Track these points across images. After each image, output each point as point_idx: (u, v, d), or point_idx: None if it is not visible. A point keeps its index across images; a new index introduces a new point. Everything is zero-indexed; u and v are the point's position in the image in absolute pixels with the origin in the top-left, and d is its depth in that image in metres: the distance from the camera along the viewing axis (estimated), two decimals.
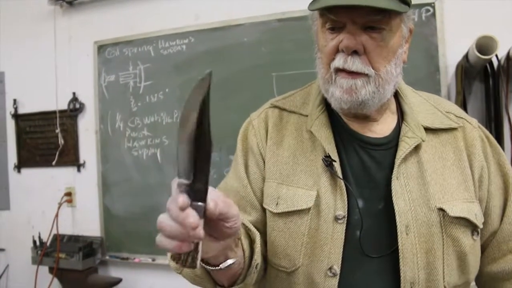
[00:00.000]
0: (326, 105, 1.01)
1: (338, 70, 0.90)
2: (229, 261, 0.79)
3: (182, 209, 0.59)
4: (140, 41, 2.56)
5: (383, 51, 0.90)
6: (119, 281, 2.55)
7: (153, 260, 2.55)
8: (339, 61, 0.89)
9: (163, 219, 0.62)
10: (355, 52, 0.88)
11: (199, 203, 0.62)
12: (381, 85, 0.91)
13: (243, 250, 0.85)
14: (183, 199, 0.60)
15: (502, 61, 1.99)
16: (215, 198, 0.64)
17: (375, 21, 0.87)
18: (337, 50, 0.89)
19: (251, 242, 0.93)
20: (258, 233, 0.94)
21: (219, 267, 0.79)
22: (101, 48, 2.66)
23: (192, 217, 0.59)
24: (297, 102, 1.05)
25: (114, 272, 2.71)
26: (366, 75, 0.89)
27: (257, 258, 0.91)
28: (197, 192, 0.62)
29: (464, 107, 2.02)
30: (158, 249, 2.42)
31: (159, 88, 2.53)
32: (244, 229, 0.93)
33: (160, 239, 0.63)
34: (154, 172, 2.53)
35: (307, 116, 1.01)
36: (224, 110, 2.36)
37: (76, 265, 2.54)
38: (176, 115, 2.49)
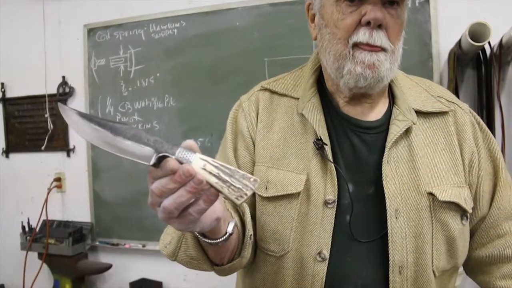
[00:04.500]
0: (318, 88, 1.00)
1: (356, 45, 0.88)
2: (231, 226, 0.78)
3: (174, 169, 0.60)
4: (131, 24, 2.53)
5: (399, 27, 0.90)
6: (109, 266, 2.54)
7: (144, 246, 2.54)
8: (364, 35, 0.86)
9: (157, 184, 0.62)
10: (378, 26, 0.86)
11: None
12: (393, 62, 0.91)
13: (235, 223, 0.83)
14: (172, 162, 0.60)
15: (494, 49, 1.98)
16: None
17: None
18: (357, 24, 0.87)
19: (241, 217, 0.93)
20: (247, 205, 0.93)
21: (223, 238, 0.78)
22: (91, 31, 2.62)
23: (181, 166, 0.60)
24: (288, 84, 1.03)
25: (104, 258, 2.69)
26: (385, 50, 0.88)
27: (250, 228, 0.90)
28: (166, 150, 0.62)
29: (456, 94, 2.02)
30: (148, 235, 2.44)
31: (150, 73, 2.50)
32: (231, 204, 0.92)
33: (166, 202, 0.62)
34: None
35: (298, 99, 0.99)
36: (215, 95, 2.35)
37: (65, 250, 2.52)
38: (167, 100, 2.47)
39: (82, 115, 0.65)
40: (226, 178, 0.62)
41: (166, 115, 2.48)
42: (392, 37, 0.88)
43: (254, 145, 1.00)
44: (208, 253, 0.85)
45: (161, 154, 0.61)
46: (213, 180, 0.62)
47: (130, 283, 2.53)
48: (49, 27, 2.74)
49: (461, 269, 1.06)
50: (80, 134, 0.65)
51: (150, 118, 2.51)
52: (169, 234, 0.91)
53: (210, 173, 0.62)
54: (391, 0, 0.87)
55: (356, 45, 0.87)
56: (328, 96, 0.99)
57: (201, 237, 0.78)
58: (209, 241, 0.78)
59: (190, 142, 0.63)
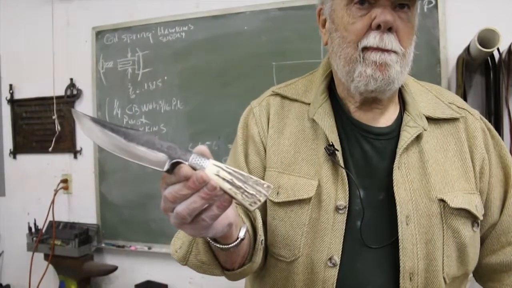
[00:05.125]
0: (329, 93, 1.00)
1: (367, 48, 0.87)
2: (242, 231, 0.79)
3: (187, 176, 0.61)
4: (139, 27, 2.54)
5: (409, 31, 0.89)
6: (114, 268, 2.55)
7: (149, 248, 2.54)
8: (374, 39, 0.86)
9: (170, 190, 0.63)
10: (389, 29, 0.86)
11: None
12: (404, 66, 0.91)
13: (247, 228, 0.84)
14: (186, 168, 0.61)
15: (503, 55, 1.98)
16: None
17: None
18: (367, 28, 0.87)
19: (252, 222, 0.93)
20: (258, 210, 0.93)
21: (235, 243, 0.78)
22: (99, 34, 2.63)
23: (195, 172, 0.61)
24: (299, 90, 1.03)
25: (109, 259, 2.70)
26: (396, 53, 0.88)
27: (261, 234, 0.91)
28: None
29: (464, 99, 2.01)
30: (154, 238, 2.44)
31: (157, 76, 2.51)
32: (243, 209, 0.92)
33: (179, 208, 0.63)
34: None
35: (309, 104, 0.99)
36: (223, 99, 2.35)
37: (71, 252, 2.53)
38: (174, 103, 2.47)
39: (95, 121, 0.65)
40: (240, 184, 0.62)
41: (173, 118, 2.48)
42: (403, 40, 0.88)
43: (265, 151, 1.00)
44: (219, 258, 0.85)
45: (174, 161, 0.61)
46: (227, 186, 0.62)
47: (136, 285, 2.53)
48: (58, 29, 2.76)
49: (470, 275, 1.06)
50: (93, 140, 0.66)
51: (157, 121, 2.52)
52: (180, 239, 0.91)
53: (224, 179, 0.62)
54: (402, 3, 0.87)
55: (367, 49, 0.87)
56: (339, 102, 0.99)
57: (212, 242, 0.78)
58: (221, 246, 0.78)
59: (202, 148, 0.64)
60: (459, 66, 2.04)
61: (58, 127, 2.74)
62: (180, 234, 0.93)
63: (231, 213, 0.71)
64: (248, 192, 0.63)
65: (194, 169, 0.61)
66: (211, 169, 0.62)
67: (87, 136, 0.66)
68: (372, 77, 0.88)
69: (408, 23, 0.89)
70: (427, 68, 2.08)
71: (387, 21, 0.85)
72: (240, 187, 0.62)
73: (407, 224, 0.90)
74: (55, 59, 2.76)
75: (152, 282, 2.56)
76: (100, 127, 0.65)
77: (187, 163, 0.61)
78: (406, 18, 0.88)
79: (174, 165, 0.62)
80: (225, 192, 0.62)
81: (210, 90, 2.40)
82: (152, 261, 2.58)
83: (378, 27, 0.86)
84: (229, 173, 0.62)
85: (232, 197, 0.63)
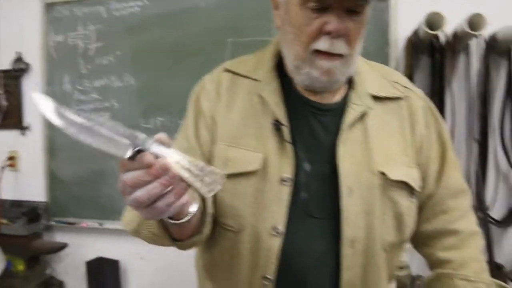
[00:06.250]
0: (278, 70, 1.03)
1: (318, 51, 0.90)
2: (194, 207, 0.82)
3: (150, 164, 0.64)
4: (91, 1, 2.48)
5: (360, 32, 0.92)
6: (64, 245, 2.51)
7: (100, 224, 2.52)
8: (324, 44, 0.89)
9: (130, 176, 0.65)
10: (339, 35, 0.89)
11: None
12: (352, 64, 0.95)
13: (199, 204, 0.87)
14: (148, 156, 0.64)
15: (448, 38, 2.10)
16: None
17: (359, 6, 0.88)
18: (319, 31, 0.89)
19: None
20: None
21: (186, 218, 0.81)
22: (49, 6, 2.55)
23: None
24: (249, 66, 1.05)
25: (60, 237, 2.66)
26: (343, 56, 0.91)
27: (210, 206, 0.94)
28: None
29: (411, 80, 2.10)
30: (105, 214, 2.42)
31: (110, 51, 2.47)
32: None
33: (139, 193, 0.66)
34: None
35: (259, 81, 1.02)
36: (176, 75, 2.35)
37: (19, 230, 2.47)
38: (127, 78, 2.45)
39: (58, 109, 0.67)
40: (198, 172, 0.66)
41: (125, 94, 2.46)
42: (353, 42, 0.91)
43: (214, 125, 1.02)
44: (170, 230, 0.88)
45: (138, 148, 0.64)
46: (186, 175, 0.65)
47: (87, 262, 2.51)
48: (6, 0, 2.65)
49: (408, 246, 1.14)
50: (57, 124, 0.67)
51: (109, 96, 2.49)
52: (131, 212, 0.93)
53: (183, 167, 0.65)
54: (354, 10, 0.89)
55: (317, 52, 0.90)
56: (288, 79, 1.01)
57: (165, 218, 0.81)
58: (173, 221, 0.81)
59: (162, 136, 0.66)
60: (408, 47, 2.15)
61: (4, 103, 2.65)
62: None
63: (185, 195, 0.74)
64: (204, 181, 0.66)
65: (156, 157, 0.64)
66: (172, 158, 0.65)
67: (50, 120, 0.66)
68: (317, 80, 0.93)
69: (359, 25, 0.91)
70: (377, 49, 2.16)
71: (339, 31, 0.88)
72: (198, 175, 0.66)
73: (350, 196, 0.94)
74: (1, 31, 2.66)
75: (103, 258, 2.54)
76: (65, 111, 0.66)
77: (149, 151, 0.64)
78: (357, 20, 0.90)
79: (137, 153, 0.64)
80: (183, 180, 0.66)
81: (163, 66, 2.39)
82: (103, 238, 2.56)
83: (330, 32, 0.88)
84: (188, 161, 0.66)
85: (190, 184, 0.67)
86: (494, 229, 2.25)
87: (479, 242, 1.09)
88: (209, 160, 1.02)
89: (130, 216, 0.94)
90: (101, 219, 2.52)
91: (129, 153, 0.64)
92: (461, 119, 2.23)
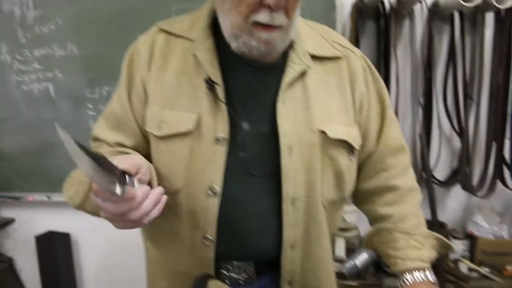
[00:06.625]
0: (214, 29, 1.01)
1: (256, 23, 0.89)
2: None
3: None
4: None
5: (298, 2, 0.91)
6: (10, 220, 2.46)
7: (49, 198, 2.47)
8: (264, 17, 0.87)
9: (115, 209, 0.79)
10: (278, 7, 0.87)
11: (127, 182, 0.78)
12: (291, 32, 0.94)
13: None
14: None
15: (393, 3, 2.11)
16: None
17: None
18: (259, 3, 0.87)
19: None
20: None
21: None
22: None
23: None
24: (184, 26, 1.04)
25: (6, 212, 2.59)
26: (282, 26, 0.90)
27: (155, 178, 0.95)
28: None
29: (357, 44, 2.13)
30: (53, 187, 2.35)
31: (50, 19, 2.34)
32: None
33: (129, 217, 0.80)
34: (47, 108, 2.39)
35: (194, 40, 1.00)
36: (121, 43, 2.21)
37: None
38: (69, 47, 2.34)
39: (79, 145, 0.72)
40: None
41: (69, 64, 2.36)
42: (291, 12, 0.90)
43: (148, 87, 1.01)
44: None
45: (125, 186, 0.76)
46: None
47: (36, 237, 2.47)
48: None
49: (354, 207, 1.18)
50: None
51: (51, 66, 2.38)
52: (73, 185, 0.96)
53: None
54: None
55: (256, 23, 0.89)
56: (224, 37, 0.99)
57: None
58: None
59: (131, 168, 0.82)
60: (353, 12, 2.14)
61: None
62: (74, 181, 0.97)
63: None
64: None
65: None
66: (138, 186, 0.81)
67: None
68: (255, 48, 0.91)
69: None
70: (323, 13, 2.13)
71: (277, 5, 0.86)
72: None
73: (289, 154, 0.95)
74: None
75: (53, 232, 2.51)
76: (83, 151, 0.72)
77: (129, 187, 0.77)
78: None
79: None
80: None
81: (108, 34, 2.29)
82: (52, 211, 2.51)
83: (270, 5, 0.87)
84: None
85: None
86: (437, 189, 2.34)
87: (418, 197, 1.13)
88: (142, 123, 1.02)
89: (72, 190, 0.96)
90: (49, 192, 2.46)
91: (119, 191, 0.75)
92: (406, 83, 2.27)
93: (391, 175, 1.11)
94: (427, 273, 1.03)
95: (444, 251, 1.09)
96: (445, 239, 1.08)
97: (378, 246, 1.11)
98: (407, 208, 1.09)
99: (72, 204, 0.97)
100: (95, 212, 0.94)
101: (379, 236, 1.10)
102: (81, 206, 0.96)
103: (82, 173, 0.89)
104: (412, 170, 1.17)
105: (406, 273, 1.03)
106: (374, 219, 1.14)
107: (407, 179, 1.13)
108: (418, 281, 1.02)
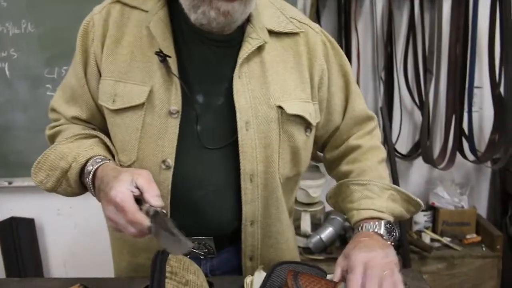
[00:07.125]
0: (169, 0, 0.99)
1: None
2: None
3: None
4: None
5: None
6: None
7: (10, 183, 2.39)
8: None
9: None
10: None
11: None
12: (251, 4, 0.92)
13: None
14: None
15: None
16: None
17: None
18: None
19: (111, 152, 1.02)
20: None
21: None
22: None
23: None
24: None
25: None
26: None
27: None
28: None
29: (317, 19, 2.14)
30: (14, 171, 2.27)
31: None
32: (103, 144, 1.01)
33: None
34: (3, 89, 2.30)
35: (147, 11, 0.98)
36: (79, 20, 2.17)
37: None
38: (24, 25, 2.25)
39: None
40: None
41: (24, 42, 2.27)
42: None
43: (101, 61, 0.99)
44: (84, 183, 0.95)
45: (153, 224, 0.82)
46: None
47: None
48: None
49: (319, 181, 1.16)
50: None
51: (5, 45, 2.27)
52: (44, 171, 0.95)
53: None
54: None
55: None
56: (179, 6, 0.96)
57: (89, 183, 0.93)
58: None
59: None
60: None
61: None
62: (44, 166, 0.96)
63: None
64: None
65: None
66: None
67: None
68: (214, 20, 0.89)
69: None
70: None
71: None
72: None
73: (246, 129, 0.95)
74: None
75: (16, 218, 2.44)
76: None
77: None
78: None
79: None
80: None
81: (65, 11, 2.21)
82: (14, 197, 2.44)
83: None
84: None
85: None
86: (400, 163, 2.41)
87: (380, 155, 1.11)
88: (96, 96, 1.02)
89: (42, 174, 0.96)
90: (10, 177, 2.39)
91: (154, 230, 0.82)
92: (367, 58, 2.31)
93: (355, 137, 1.13)
94: (382, 225, 0.94)
95: (412, 208, 1.04)
96: (413, 196, 1.04)
97: (340, 203, 1.09)
98: (367, 164, 1.08)
99: (43, 188, 0.97)
100: (67, 194, 0.98)
101: (339, 192, 1.09)
102: (53, 190, 0.96)
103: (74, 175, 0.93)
104: (379, 133, 1.18)
105: (360, 224, 0.96)
106: (338, 178, 1.14)
107: (371, 140, 1.13)
108: (366, 231, 0.93)
